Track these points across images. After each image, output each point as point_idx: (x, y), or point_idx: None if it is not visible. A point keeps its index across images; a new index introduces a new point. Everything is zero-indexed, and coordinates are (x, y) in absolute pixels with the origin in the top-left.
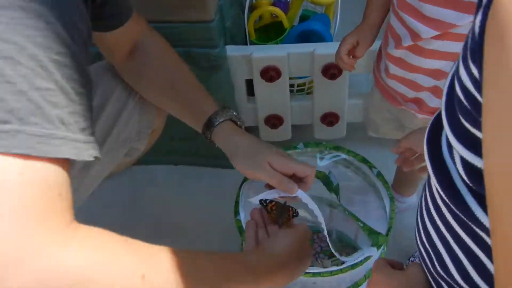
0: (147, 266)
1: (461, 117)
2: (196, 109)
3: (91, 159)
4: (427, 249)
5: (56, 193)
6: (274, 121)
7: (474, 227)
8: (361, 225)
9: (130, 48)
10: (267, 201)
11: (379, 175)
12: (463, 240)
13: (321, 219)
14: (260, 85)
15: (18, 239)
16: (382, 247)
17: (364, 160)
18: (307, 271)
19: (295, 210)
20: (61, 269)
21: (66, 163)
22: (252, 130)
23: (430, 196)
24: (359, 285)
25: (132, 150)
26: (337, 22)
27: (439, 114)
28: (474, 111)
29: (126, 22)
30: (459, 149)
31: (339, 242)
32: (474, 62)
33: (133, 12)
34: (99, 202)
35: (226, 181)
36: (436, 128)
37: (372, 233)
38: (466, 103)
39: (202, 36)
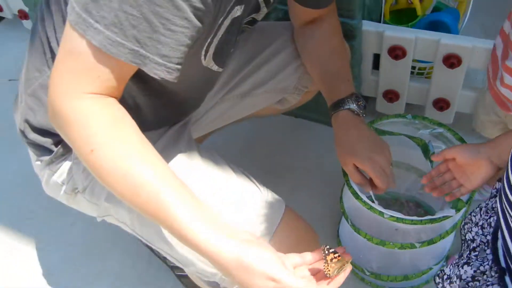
0: (102, 146)
1: None
2: (333, 90)
3: (152, 74)
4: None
5: (96, 75)
6: (391, 95)
7: None
8: None
9: (310, 21)
10: (331, 250)
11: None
12: None
13: None
14: (385, 60)
15: (62, 85)
16: (461, 212)
17: (461, 139)
18: (392, 215)
19: (347, 263)
20: (66, 110)
21: (126, 67)
22: (370, 101)
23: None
24: (434, 242)
25: (285, 101)
26: (466, 19)
27: None
28: None
29: (320, 8)
30: None
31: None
32: None
33: (331, 3)
34: (228, 134)
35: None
36: None
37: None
38: None
39: (344, 6)
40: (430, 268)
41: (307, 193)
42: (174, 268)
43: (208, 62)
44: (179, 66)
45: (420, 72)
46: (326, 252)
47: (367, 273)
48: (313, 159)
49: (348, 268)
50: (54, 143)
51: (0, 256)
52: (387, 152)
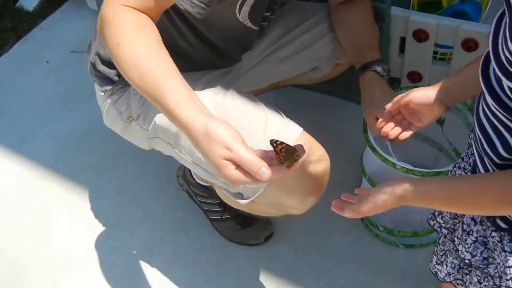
0: (125, 41)
1: (507, 65)
2: (362, 56)
3: (179, 5)
4: (479, 135)
5: None
6: (414, 76)
7: None
8: (452, 147)
9: (345, 1)
10: (278, 142)
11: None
12: (507, 124)
13: None
14: (410, 43)
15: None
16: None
17: (471, 109)
18: (402, 166)
19: (299, 155)
20: (106, 12)
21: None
22: (395, 80)
23: (486, 107)
24: None
25: (318, 70)
26: (486, 12)
27: (487, 56)
28: None
29: None
30: (505, 81)
31: None
32: None
33: None
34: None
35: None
36: (486, 63)
37: (458, 154)
38: (510, 67)
39: None
40: None
41: (332, 160)
42: (208, 212)
43: (243, 18)
44: (202, 5)
45: (442, 57)
46: (275, 144)
47: (381, 229)
48: (341, 133)
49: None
50: (117, 74)
51: (53, 202)
52: None
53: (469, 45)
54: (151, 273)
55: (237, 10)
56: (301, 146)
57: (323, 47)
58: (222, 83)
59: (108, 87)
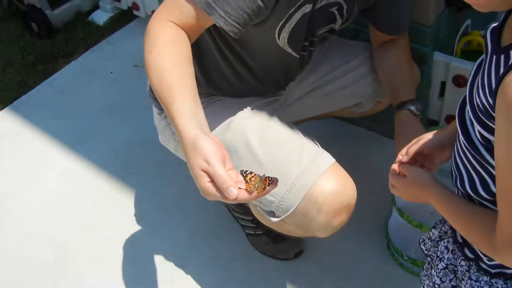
0: (158, 50)
1: (478, 112)
2: (398, 95)
3: (215, 22)
4: (455, 172)
5: (179, 11)
6: (452, 120)
7: (483, 162)
8: None
9: (385, 42)
10: (247, 172)
11: None
12: (477, 169)
13: None
14: (450, 87)
15: (157, 13)
16: None
17: None
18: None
19: (272, 179)
20: (151, 23)
21: (200, 13)
22: (434, 122)
23: (459, 145)
24: None
25: (361, 105)
26: None
27: (465, 97)
28: (486, 119)
29: (394, 35)
30: (476, 125)
31: None
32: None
33: (404, 31)
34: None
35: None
36: (462, 104)
37: None
38: (480, 114)
39: (420, 35)
40: None
41: (364, 190)
42: (244, 227)
43: (283, 43)
44: (235, 24)
45: None
46: (244, 174)
47: (405, 258)
48: (376, 166)
49: (266, 190)
50: None
51: (102, 200)
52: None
53: None
54: (185, 273)
55: (276, 35)
56: (276, 179)
57: (366, 86)
58: (267, 111)
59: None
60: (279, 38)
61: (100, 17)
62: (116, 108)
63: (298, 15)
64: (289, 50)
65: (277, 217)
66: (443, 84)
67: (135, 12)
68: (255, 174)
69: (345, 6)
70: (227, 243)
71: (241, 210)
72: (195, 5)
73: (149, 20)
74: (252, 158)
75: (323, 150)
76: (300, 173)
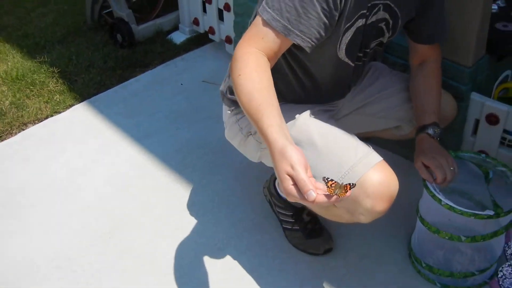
0: (245, 74)
1: None
2: (420, 118)
3: (293, 41)
4: None
5: (261, 37)
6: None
7: None
8: (492, 198)
9: (419, 63)
10: (328, 179)
11: None
12: None
13: None
14: (483, 124)
15: (242, 41)
16: (499, 215)
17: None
18: (447, 203)
19: (353, 184)
20: (238, 51)
21: (279, 36)
22: None
23: None
24: (476, 240)
25: (401, 128)
26: None
27: None
28: None
29: (426, 44)
30: None
31: None
32: None
33: (440, 41)
34: None
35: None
36: None
37: (497, 206)
38: None
39: (458, 73)
40: (473, 274)
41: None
42: (282, 221)
43: (342, 55)
44: (310, 40)
45: (510, 144)
46: (326, 181)
47: (423, 265)
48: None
49: (348, 193)
50: None
51: (157, 186)
52: (449, 158)
53: None
54: (223, 256)
55: (337, 47)
56: (354, 184)
57: (405, 111)
58: (325, 115)
59: (236, 107)
60: (339, 50)
61: (178, 37)
62: (181, 114)
63: (353, 29)
64: (347, 60)
65: None
66: (477, 122)
67: (210, 36)
68: (335, 182)
69: (391, 21)
70: (266, 235)
71: (282, 205)
72: (274, 30)
73: (225, 45)
74: (313, 150)
75: (373, 149)
76: (354, 163)
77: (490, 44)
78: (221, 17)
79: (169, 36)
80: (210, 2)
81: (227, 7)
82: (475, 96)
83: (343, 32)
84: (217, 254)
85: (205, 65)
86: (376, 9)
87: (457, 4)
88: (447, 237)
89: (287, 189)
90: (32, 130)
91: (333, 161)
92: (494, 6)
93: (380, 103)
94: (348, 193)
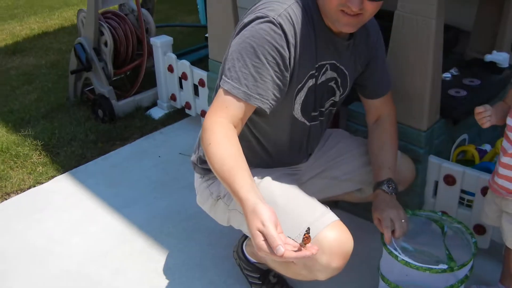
0: (215, 143)
1: None
2: (376, 175)
3: (254, 104)
4: None
5: (225, 106)
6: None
7: None
8: (447, 252)
9: (375, 118)
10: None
11: (472, 236)
12: None
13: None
14: (441, 185)
15: (209, 113)
16: (453, 269)
17: (471, 234)
18: (403, 258)
19: (308, 229)
20: (206, 122)
21: (241, 102)
22: None
23: None
24: None
25: (362, 191)
26: None
27: None
28: None
29: (377, 98)
30: None
31: None
32: None
33: (387, 93)
34: None
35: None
36: None
37: (451, 260)
38: None
39: (415, 137)
40: None
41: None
42: (251, 283)
43: (297, 114)
44: (268, 102)
45: (469, 204)
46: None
47: None
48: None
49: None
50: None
51: (136, 254)
52: (400, 211)
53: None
54: None
55: (293, 108)
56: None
57: (366, 174)
58: (288, 178)
59: (206, 175)
60: (294, 109)
61: (157, 113)
62: (159, 184)
63: (305, 90)
64: (303, 119)
65: None
66: (437, 184)
67: (187, 111)
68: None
69: (339, 80)
70: None
71: (250, 268)
72: (236, 97)
73: (201, 119)
74: (274, 208)
75: (329, 210)
76: (311, 222)
77: (445, 109)
78: (196, 93)
79: (148, 111)
80: (186, 78)
81: (201, 82)
82: (432, 159)
83: (296, 93)
84: None
85: (182, 139)
86: (323, 69)
87: (409, 74)
88: None
89: (258, 244)
90: (14, 200)
91: (292, 219)
92: (448, 75)
93: (342, 166)
94: (313, 248)
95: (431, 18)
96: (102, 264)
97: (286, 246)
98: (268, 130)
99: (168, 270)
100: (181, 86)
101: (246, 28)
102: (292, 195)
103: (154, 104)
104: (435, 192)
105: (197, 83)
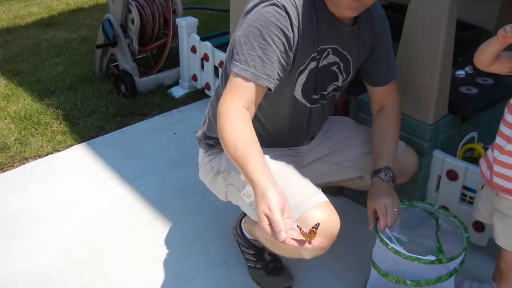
0: (229, 127)
1: None
2: (375, 163)
3: (262, 84)
4: None
5: (237, 89)
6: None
7: None
8: (438, 245)
9: (379, 107)
10: (300, 227)
11: (466, 231)
12: None
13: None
14: (444, 180)
15: (223, 98)
16: (441, 261)
17: (466, 229)
18: (392, 247)
19: (317, 224)
20: (221, 107)
21: (250, 83)
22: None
23: None
24: (421, 285)
25: (363, 179)
26: None
27: None
28: None
29: (381, 86)
30: None
31: None
32: None
33: (391, 81)
34: None
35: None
36: None
37: (440, 252)
38: None
39: (420, 130)
40: None
41: (348, 247)
42: (246, 259)
43: (298, 95)
44: (274, 81)
45: (470, 201)
46: (299, 227)
47: None
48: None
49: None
50: (215, 143)
51: (139, 223)
52: (395, 199)
53: None
54: (191, 287)
55: (293, 88)
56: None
57: (367, 162)
58: (286, 158)
59: (209, 150)
60: (295, 90)
61: (178, 92)
62: (171, 160)
63: (307, 72)
64: (303, 101)
65: None
66: (440, 179)
67: (206, 92)
68: (301, 229)
69: (341, 64)
70: (232, 271)
71: (246, 244)
72: (245, 78)
73: (218, 105)
74: None
75: (320, 191)
76: (301, 200)
77: (453, 105)
78: (217, 74)
79: (169, 90)
80: (207, 60)
81: (221, 64)
82: (437, 153)
83: (298, 74)
84: (184, 285)
85: (199, 118)
86: (325, 53)
87: (418, 67)
88: (394, 280)
89: (263, 228)
90: (32, 165)
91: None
92: (462, 72)
93: (345, 153)
94: (317, 240)
95: (443, 14)
96: (107, 231)
97: (289, 233)
98: (269, 110)
99: (169, 242)
100: (202, 67)
101: (251, 12)
102: (286, 173)
103: (176, 83)
104: (437, 187)
105: (217, 65)
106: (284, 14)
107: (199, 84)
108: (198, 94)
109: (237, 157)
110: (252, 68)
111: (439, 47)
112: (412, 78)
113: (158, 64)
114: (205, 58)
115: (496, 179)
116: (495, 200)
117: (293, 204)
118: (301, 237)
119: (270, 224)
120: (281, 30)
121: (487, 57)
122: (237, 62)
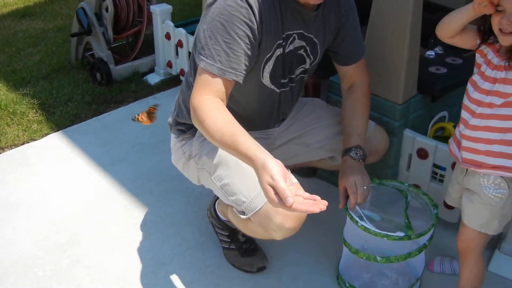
0: (208, 118)
1: None
2: (346, 141)
3: (230, 79)
4: None
5: (207, 84)
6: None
7: None
8: (407, 221)
9: (349, 85)
10: None
11: (435, 207)
12: None
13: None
14: (414, 159)
15: (194, 92)
16: (410, 237)
17: (435, 206)
18: (362, 224)
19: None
20: (194, 102)
21: (218, 77)
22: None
23: None
24: (391, 261)
25: (335, 159)
26: None
27: None
28: None
29: (350, 65)
30: None
31: None
32: None
33: (360, 60)
34: None
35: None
36: None
37: (409, 229)
38: None
39: (390, 110)
40: None
41: (321, 227)
42: (221, 240)
43: (265, 80)
44: (241, 73)
45: (441, 179)
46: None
47: (347, 286)
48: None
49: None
50: (186, 129)
51: (116, 208)
52: (365, 177)
53: None
54: (166, 271)
55: (261, 75)
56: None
57: (338, 143)
58: (258, 141)
59: (180, 135)
60: (262, 77)
61: (153, 79)
62: (146, 146)
63: (273, 58)
64: (272, 86)
65: (246, 215)
66: (411, 157)
67: (181, 78)
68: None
69: (308, 48)
70: (207, 253)
71: (220, 225)
72: (212, 74)
73: (190, 100)
74: (238, 168)
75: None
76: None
77: (423, 85)
78: None
79: (145, 77)
80: (181, 46)
81: None
82: (407, 132)
83: (264, 62)
84: (161, 268)
85: (173, 104)
86: (291, 38)
87: (387, 48)
88: (364, 257)
89: (270, 197)
90: (8, 154)
91: (251, 180)
92: (431, 52)
93: (315, 134)
94: (321, 202)
95: None
96: (85, 218)
97: (296, 198)
98: (238, 97)
99: (145, 226)
100: (177, 54)
101: (214, 5)
102: None
103: (151, 70)
104: (409, 165)
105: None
106: (246, 6)
107: (174, 71)
108: (173, 81)
109: (225, 142)
110: (219, 63)
111: (407, 27)
112: (382, 58)
113: (133, 52)
114: (179, 44)
115: (465, 154)
116: (464, 180)
117: (255, 193)
118: (306, 201)
119: (276, 193)
120: (245, 22)
121: (453, 26)
122: (203, 57)
